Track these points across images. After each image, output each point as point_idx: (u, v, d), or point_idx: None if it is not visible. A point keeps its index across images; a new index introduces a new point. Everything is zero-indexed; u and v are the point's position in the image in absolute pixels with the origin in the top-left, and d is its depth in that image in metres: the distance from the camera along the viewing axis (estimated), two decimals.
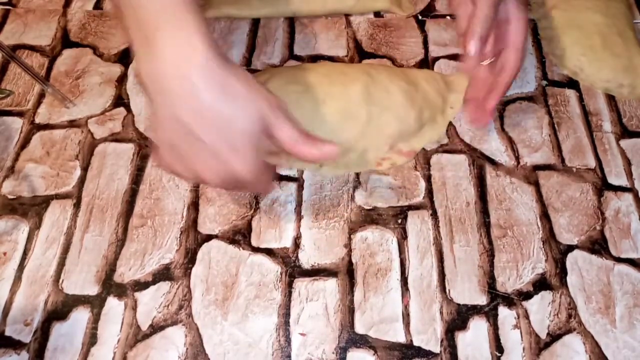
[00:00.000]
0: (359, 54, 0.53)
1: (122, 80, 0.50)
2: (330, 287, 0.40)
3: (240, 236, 0.42)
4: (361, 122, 0.45)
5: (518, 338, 0.38)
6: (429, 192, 0.44)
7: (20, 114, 0.48)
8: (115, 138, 0.47)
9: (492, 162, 0.46)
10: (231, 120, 0.31)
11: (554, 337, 0.38)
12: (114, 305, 0.39)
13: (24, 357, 0.37)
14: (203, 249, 0.41)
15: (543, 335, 0.38)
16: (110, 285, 0.40)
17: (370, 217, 0.43)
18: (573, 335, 0.38)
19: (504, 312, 0.39)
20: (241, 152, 0.32)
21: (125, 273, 0.40)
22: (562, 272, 0.41)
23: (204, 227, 0.42)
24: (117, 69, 0.51)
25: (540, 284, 0.40)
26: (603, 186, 0.45)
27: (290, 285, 0.40)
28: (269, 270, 0.41)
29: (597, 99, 0.50)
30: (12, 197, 0.43)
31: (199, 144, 0.31)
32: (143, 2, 0.30)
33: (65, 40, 0.53)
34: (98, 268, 0.40)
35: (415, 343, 0.38)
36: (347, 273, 0.41)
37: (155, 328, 0.38)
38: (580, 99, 0.50)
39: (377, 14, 0.56)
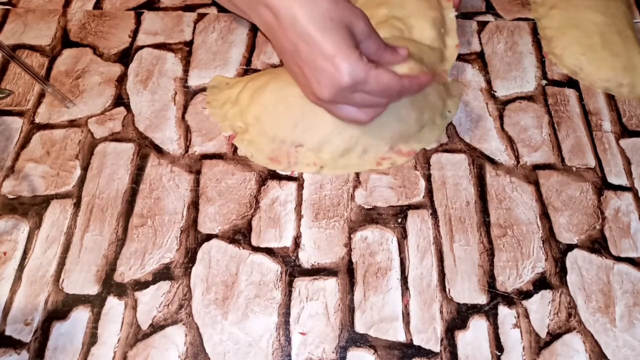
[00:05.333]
0: None
1: (122, 80, 0.50)
2: (330, 286, 0.40)
3: (240, 235, 0.42)
4: None
5: (518, 337, 0.38)
6: (429, 191, 0.44)
7: (20, 114, 0.48)
8: (115, 138, 0.47)
9: (492, 162, 0.46)
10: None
11: (553, 336, 0.38)
12: (114, 305, 0.39)
13: (24, 357, 0.37)
14: (203, 249, 0.41)
15: (543, 334, 0.38)
16: (110, 285, 0.40)
17: (370, 217, 0.43)
18: (573, 334, 0.38)
19: (503, 311, 0.39)
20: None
21: (126, 272, 0.40)
22: (562, 271, 0.41)
23: (204, 227, 0.42)
24: (117, 69, 0.51)
25: (540, 283, 0.40)
26: (603, 185, 0.45)
27: (290, 284, 0.40)
28: (269, 269, 0.41)
29: (597, 98, 0.50)
30: (12, 196, 0.43)
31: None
32: None
33: (65, 40, 0.53)
34: (98, 267, 0.40)
35: (415, 342, 0.38)
36: (347, 272, 0.41)
37: (156, 327, 0.38)
38: (580, 99, 0.50)
39: None
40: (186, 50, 0.52)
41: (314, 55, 0.37)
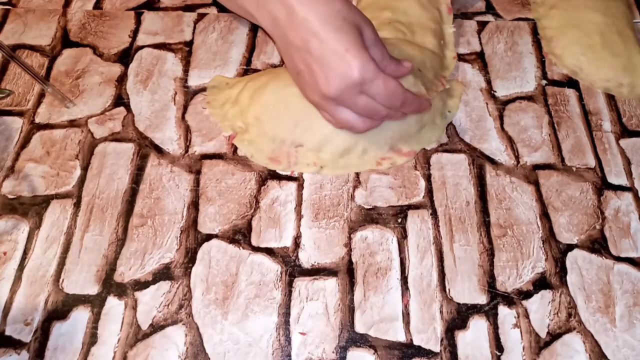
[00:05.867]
0: None
1: (122, 80, 0.50)
2: (330, 286, 0.40)
3: (240, 235, 0.42)
4: None
5: (518, 337, 0.38)
6: (429, 191, 0.44)
7: (20, 114, 0.48)
8: (115, 138, 0.47)
9: (492, 162, 0.46)
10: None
11: (553, 336, 0.38)
12: (114, 305, 0.39)
13: (24, 357, 0.37)
14: (203, 249, 0.41)
15: (543, 334, 0.38)
16: (110, 285, 0.40)
17: (370, 217, 0.43)
18: (573, 334, 0.38)
19: (503, 311, 0.39)
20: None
21: (126, 272, 0.40)
22: (562, 271, 0.41)
23: (204, 227, 0.42)
24: (117, 69, 0.51)
25: (540, 283, 0.40)
26: (603, 185, 0.45)
27: (290, 284, 0.40)
28: (269, 269, 0.41)
29: (597, 98, 0.50)
30: (12, 196, 0.43)
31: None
32: None
33: (65, 40, 0.53)
34: (98, 267, 0.40)
35: (415, 342, 0.38)
36: (347, 272, 0.41)
37: (156, 327, 0.38)
38: (580, 99, 0.50)
39: None
40: (186, 50, 0.52)
41: (326, 52, 0.37)
